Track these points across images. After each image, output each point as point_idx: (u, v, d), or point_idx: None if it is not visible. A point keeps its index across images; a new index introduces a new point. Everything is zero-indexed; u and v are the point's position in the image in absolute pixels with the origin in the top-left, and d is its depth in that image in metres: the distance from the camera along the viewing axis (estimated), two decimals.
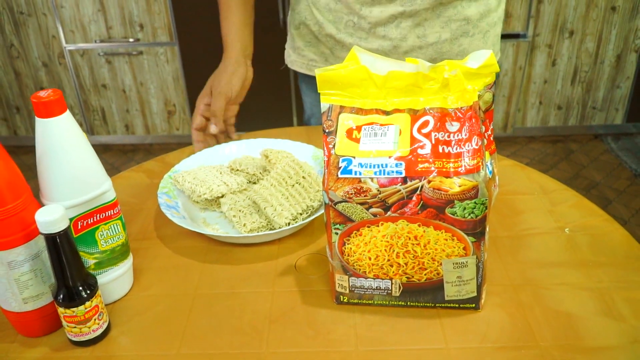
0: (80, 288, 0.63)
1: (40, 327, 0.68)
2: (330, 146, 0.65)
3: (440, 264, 0.66)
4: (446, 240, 0.64)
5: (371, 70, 0.65)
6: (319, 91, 0.67)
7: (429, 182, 0.61)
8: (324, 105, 0.67)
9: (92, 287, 0.65)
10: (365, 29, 1.04)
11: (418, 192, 0.62)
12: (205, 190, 0.88)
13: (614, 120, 2.76)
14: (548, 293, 0.71)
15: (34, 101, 0.61)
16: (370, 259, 0.67)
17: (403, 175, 0.62)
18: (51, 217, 0.59)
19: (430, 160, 0.62)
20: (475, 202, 0.61)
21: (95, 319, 0.66)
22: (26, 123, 2.85)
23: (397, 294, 0.69)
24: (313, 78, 1.18)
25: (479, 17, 1.03)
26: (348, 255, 0.67)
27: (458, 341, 0.65)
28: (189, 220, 0.87)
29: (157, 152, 2.86)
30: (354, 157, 0.64)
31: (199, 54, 2.58)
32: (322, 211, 0.80)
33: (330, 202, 0.65)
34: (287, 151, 0.98)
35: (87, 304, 0.64)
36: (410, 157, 0.63)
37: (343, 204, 0.64)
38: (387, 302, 0.70)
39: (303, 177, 0.88)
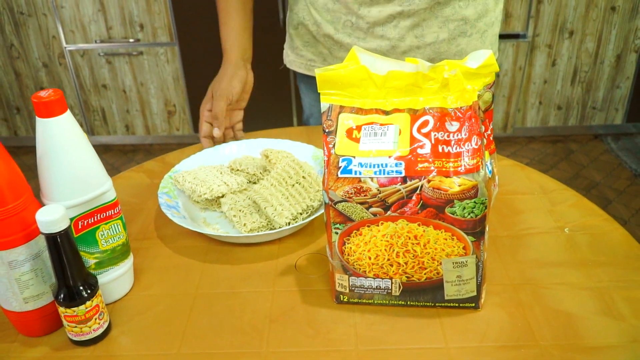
0: (81, 288, 0.64)
1: (40, 327, 0.68)
2: (330, 146, 0.66)
3: (440, 264, 0.66)
4: (446, 239, 0.64)
5: (371, 70, 0.65)
6: (319, 91, 0.67)
7: (429, 181, 0.61)
8: (324, 105, 0.67)
9: (92, 286, 0.65)
10: (363, 29, 1.04)
11: (418, 191, 0.62)
12: (205, 190, 0.88)
13: (613, 121, 2.76)
14: (548, 292, 0.71)
15: (35, 101, 0.61)
16: (370, 258, 0.67)
17: (403, 174, 0.62)
18: (52, 217, 0.59)
19: (430, 159, 0.62)
20: (474, 202, 0.61)
21: (95, 319, 0.66)
22: (26, 123, 2.86)
23: (397, 294, 0.69)
24: (312, 78, 1.18)
25: (476, 17, 1.04)
26: (348, 255, 0.68)
27: (458, 340, 0.65)
28: (189, 220, 0.87)
29: (157, 152, 2.86)
30: (354, 157, 0.64)
31: (199, 54, 2.58)
32: (322, 211, 0.80)
33: (330, 202, 0.65)
34: (287, 151, 0.98)
35: (88, 303, 0.64)
36: (410, 156, 0.63)
37: (343, 203, 0.64)
38: (387, 302, 0.70)
39: (303, 177, 0.89)
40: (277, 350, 0.65)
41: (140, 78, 2.69)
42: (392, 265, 0.67)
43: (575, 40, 2.54)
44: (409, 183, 0.62)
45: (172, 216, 0.83)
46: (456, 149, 0.62)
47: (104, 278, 0.71)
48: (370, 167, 0.63)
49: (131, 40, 2.60)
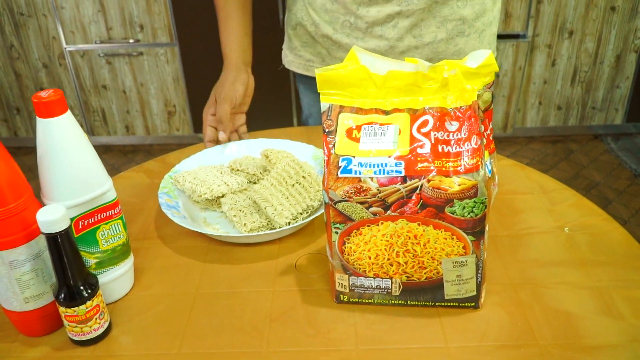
0: (81, 287, 0.64)
1: (41, 327, 0.69)
2: (330, 146, 0.66)
3: (440, 263, 0.66)
4: (446, 239, 0.64)
5: (371, 70, 0.65)
6: (318, 91, 0.67)
7: (429, 181, 0.62)
8: (324, 104, 0.67)
9: (93, 286, 0.65)
10: (362, 29, 1.04)
11: (418, 191, 0.62)
12: (205, 190, 0.88)
13: (613, 121, 2.76)
14: (547, 292, 0.71)
15: (35, 101, 0.61)
16: (370, 258, 0.67)
17: (403, 174, 0.62)
18: (52, 217, 0.59)
19: (430, 159, 0.62)
20: (474, 201, 0.62)
21: (96, 319, 0.66)
22: (26, 124, 2.86)
23: (397, 293, 0.69)
24: (310, 78, 1.18)
25: (474, 16, 1.04)
26: (348, 255, 0.68)
27: (458, 340, 0.65)
28: (189, 220, 0.87)
29: (158, 152, 2.86)
30: (354, 157, 0.64)
31: (199, 55, 2.58)
32: (322, 211, 0.80)
33: (330, 202, 0.65)
34: (287, 151, 0.98)
35: (88, 303, 0.64)
36: (409, 156, 0.63)
37: (343, 203, 0.65)
38: (387, 301, 0.70)
39: (303, 176, 0.89)
40: (277, 349, 0.65)
41: (140, 78, 2.69)
42: (392, 265, 0.67)
43: (575, 40, 2.55)
44: (408, 183, 0.62)
45: (172, 216, 0.83)
46: (456, 148, 0.62)
47: (105, 278, 0.71)
48: (370, 166, 0.63)
49: (131, 40, 2.60)
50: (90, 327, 0.66)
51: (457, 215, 0.63)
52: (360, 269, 0.68)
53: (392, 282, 0.68)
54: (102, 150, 2.90)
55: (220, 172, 0.93)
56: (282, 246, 0.83)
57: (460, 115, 0.63)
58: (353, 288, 0.70)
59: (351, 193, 0.64)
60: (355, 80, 0.66)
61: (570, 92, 2.68)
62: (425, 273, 0.67)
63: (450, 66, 0.63)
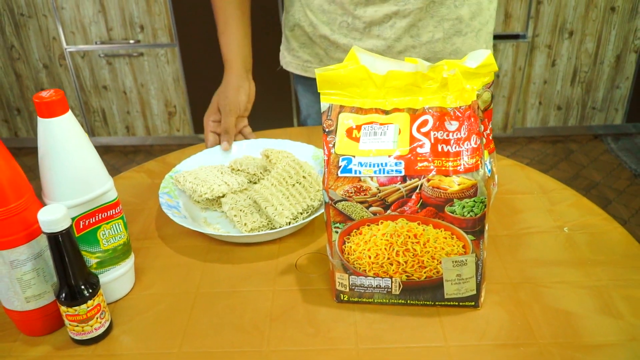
0: (82, 287, 0.64)
1: (42, 326, 0.69)
2: (330, 145, 0.66)
3: (440, 262, 0.66)
4: (445, 238, 0.65)
5: (371, 70, 0.66)
6: (319, 90, 0.67)
7: (428, 180, 0.62)
8: (324, 104, 0.67)
9: (94, 286, 0.65)
10: (359, 29, 1.04)
11: (417, 190, 0.62)
12: (206, 190, 0.88)
13: (613, 121, 2.76)
14: (547, 291, 0.72)
15: (36, 101, 0.61)
16: (370, 257, 0.67)
17: (402, 174, 0.62)
18: (53, 217, 0.59)
19: (430, 159, 0.62)
20: (474, 201, 0.62)
21: (97, 318, 0.66)
22: (27, 125, 2.86)
23: (397, 292, 0.69)
24: (308, 79, 1.19)
25: (471, 16, 1.04)
26: (348, 254, 0.68)
27: (457, 339, 0.65)
28: (190, 220, 0.87)
29: (158, 153, 2.87)
30: (354, 156, 0.64)
31: (199, 55, 2.59)
32: (322, 210, 0.80)
33: (330, 201, 0.65)
34: (287, 151, 0.98)
35: (89, 302, 0.64)
36: (409, 156, 0.63)
37: (343, 202, 0.65)
38: (387, 301, 0.70)
39: (303, 176, 0.89)
40: (277, 348, 0.65)
41: (141, 79, 2.70)
42: (392, 264, 0.67)
43: (575, 40, 2.55)
44: (408, 182, 0.62)
45: (172, 216, 0.83)
46: (455, 148, 0.62)
47: (105, 277, 0.71)
48: (370, 166, 0.63)
49: (131, 41, 2.61)
50: (91, 326, 0.66)
51: (456, 214, 0.63)
52: (360, 268, 0.68)
53: (392, 282, 0.68)
54: (103, 151, 2.90)
55: (221, 172, 0.94)
56: (283, 246, 0.83)
57: (460, 115, 0.63)
58: (353, 287, 0.70)
59: (351, 192, 0.64)
60: (355, 80, 0.66)
61: (570, 92, 2.68)
62: (425, 272, 0.67)
63: (449, 66, 0.63)
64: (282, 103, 2.68)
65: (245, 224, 0.83)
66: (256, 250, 0.82)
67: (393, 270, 0.68)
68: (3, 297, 0.66)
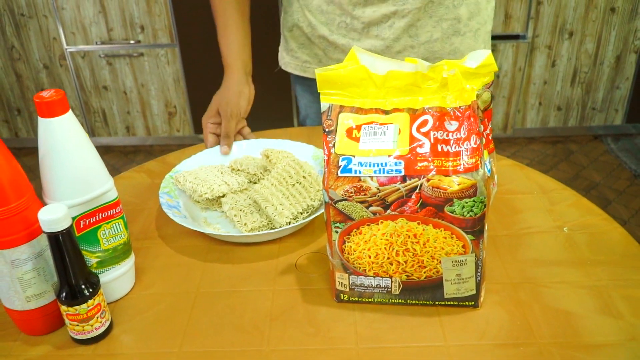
0: (83, 286, 0.64)
1: (43, 326, 0.69)
2: (330, 145, 0.66)
3: (440, 262, 0.66)
4: (445, 238, 0.65)
5: (370, 70, 0.66)
6: (319, 90, 0.67)
7: (428, 180, 0.62)
8: (324, 104, 0.67)
9: (94, 285, 0.65)
10: (358, 29, 1.05)
11: (417, 190, 0.62)
12: (206, 189, 0.88)
13: (613, 121, 2.76)
14: (547, 291, 0.72)
15: (37, 101, 0.61)
16: (370, 257, 0.67)
17: (402, 173, 0.63)
18: (54, 216, 0.60)
19: (429, 159, 0.62)
20: (474, 201, 0.62)
21: (97, 317, 0.66)
22: (27, 125, 2.86)
23: (397, 292, 0.69)
24: (307, 79, 1.19)
25: (469, 15, 1.05)
26: (348, 254, 0.68)
27: (457, 339, 0.65)
28: (190, 219, 0.87)
29: (158, 153, 2.87)
30: (354, 156, 0.65)
31: (200, 56, 2.59)
32: (322, 210, 0.80)
33: (330, 201, 0.65)
34: (287, 151, 0.98)
35: (90, 302, 0.65)
36: (409, 155, 0.63)
37: (343, 202, 0.65)
38: (386, 300, 0.70)
39: (303, 176, 0.89)
40: (277, 348, 0.65)
41: (141, 79, 2.70)
42: (391, 264, 0.67)
43: (575, 41, 2.55)
44: (408, 182, 0.62)
45: (173, 216, 0.83)
46: (455, 148, 0.62)
47: (106, 277, 0.71)
48: (370, 166, 0.64)
49: (132, 41, 2.61)
50: (92, 325, 0.66)
51: (456, 214, 0.63)
52: (360, 268, 0.68)
53: (392, 281, 0.69)
54: (103, 151, 2.91)
55: (221, 172, 0.94)
56: (283, 246, 0.83)
57: (460, 115, 0.63)
58: (353, 287, 0.70)
59: (351, 192, 0.64)
60: (355, 80, 0.66)
61: (570, 92, 2.68)
62: (424, 272, 0.67)
63: (449, 66, 0.63)
64: (282, 103, 2.69)
65: (245, 224, 0.84)
66: (256, 250, 0.82)
67: (393, 270, 0.68)
68: (4, 297, 0.67)
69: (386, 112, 0.66)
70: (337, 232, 0.67)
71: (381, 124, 0.65)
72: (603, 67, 2.61)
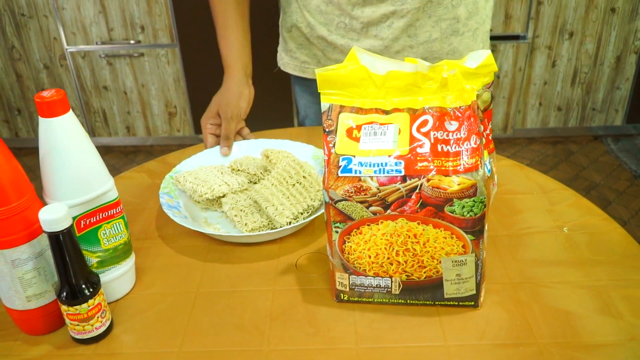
0: (83, 286, 0.64)
1: (43, 325, 0.69)
2: (331, 145, 0.66)
3: (440, 262, 0.66)
4: (445, 238, 0.65)
5: (371, 70, 0.66)
6: (319, 90, 0.67)
7: (428, 180, 0.62)
8: (324, 104, 0.68)
9: (94, 285, 0.65)
10: (356, 29, 1.05)
11: (417, 190, 0.63)
12: (206, 190, 0.88)
13: (613, 122, 2.76)
14: (546, 291, 0.72)
15: (38, 101, 0.62)
16: (370, 257, 0.67)
17: (402, 173, 0.63)
18: (54, 216, 0.60)
19: (430, 159, 0.63)
20: (474, 201, 0.62)
21: (98, 317, 0.66)
22: (27, 125, 2.86)
23: (397, 292, 0.69)
24: (306, 80, 1.19)
25: (467, 15, 1.05)
26: (348, 254, 0.68)
27: (457, 338, 0.65)
28: (190, 219, 0.87)
29: (158, 153, 2.87)
30: (354, 156, 0.65)
31: (200, 56, 2.59)
32: (322, 210, 0.80)
33: (330, 201, 0.65)
34: (287, 151, 0.98)
35: (90, 302, 0.65)
36: (409, 155, 0.63)
37: (343, 202, 0.65)
38: (387, 300, 0.70)
39: (303, 176, 0.89)
40: (277, 348, 0.66)
41: (141, 79, 2.70)
42: (392, 264, 0.67)
43: (575, 41, 2.55)
44: (408, 182, 0.63)
45: (173, 216, 0.83)
46: (455, 148, 0.62)
47: (106, 277, 0.72)
48: (370, 166, 0.64)
49: (132, 41, 2.61)
50: (92, 325, 0.66)
51: (456, 214, 0.63)
52: (360, 268, 0.68)
53: (392, 281, 0.69)
54: (103, 151, 2.91)
55: (221, 172, 0.94)
56: (283, 246, 0.83)
57: (460, 115, 0.63)
58: (353, 287, 0.70)
59: (351, 192, 0.64)
60: (355, 80, 0.66)
61: (570, 93, 2.68)
62: (425, 272, 0.67)
63: (449, 66, 0.63)
64: (282, 103, 2.69)
65: (245, 224, 0.84)
66: (256, 250, 0.82)
67: (393, 269, 0.68)
68: (4, 296, 0.67)
69: (386, 112, 0.66)
70: (337, 232, 0.67)
71: (381, 124, 0.65)
72: (603, 67, 2.61)
